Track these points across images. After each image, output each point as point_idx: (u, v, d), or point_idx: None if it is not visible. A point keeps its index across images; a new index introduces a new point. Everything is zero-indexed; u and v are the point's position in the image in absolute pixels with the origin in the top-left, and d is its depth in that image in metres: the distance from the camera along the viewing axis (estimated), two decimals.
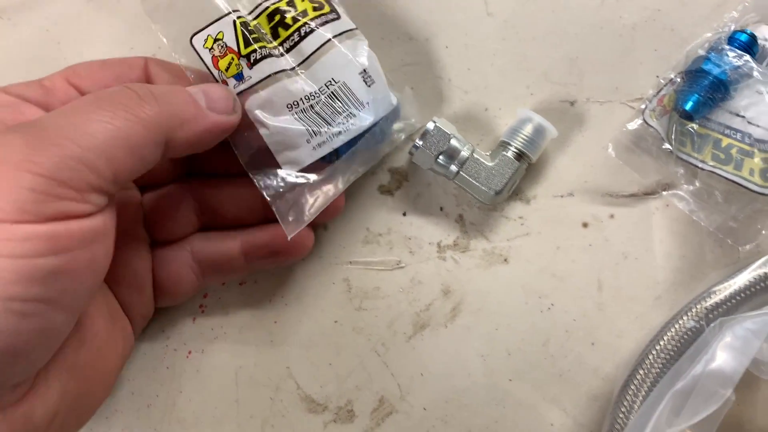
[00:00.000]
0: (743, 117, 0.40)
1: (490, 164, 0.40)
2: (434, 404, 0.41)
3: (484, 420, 0.41)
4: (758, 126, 0.40)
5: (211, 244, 0.40)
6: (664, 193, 0.42)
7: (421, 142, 0.40)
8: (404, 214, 0.43)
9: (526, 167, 0.41)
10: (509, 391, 0.41)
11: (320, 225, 0.43)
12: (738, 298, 0.38)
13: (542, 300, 0.41)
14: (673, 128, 0.41)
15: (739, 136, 0.40)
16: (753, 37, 0.40)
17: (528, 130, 0.40)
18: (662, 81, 0.42)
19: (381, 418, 0.41)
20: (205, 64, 0.36)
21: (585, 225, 0.42)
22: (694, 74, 0.40)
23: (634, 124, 0.41)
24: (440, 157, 0.40)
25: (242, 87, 0.36)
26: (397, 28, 0.44)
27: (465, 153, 0.40)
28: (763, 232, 0.39)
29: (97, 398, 0.36)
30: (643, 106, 0.42)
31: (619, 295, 0.41)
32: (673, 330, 0.38)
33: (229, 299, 0.43)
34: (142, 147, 0.30)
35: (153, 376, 0.43)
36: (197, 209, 0.40)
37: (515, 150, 0.40)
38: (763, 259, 0.38)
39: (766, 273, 0.38)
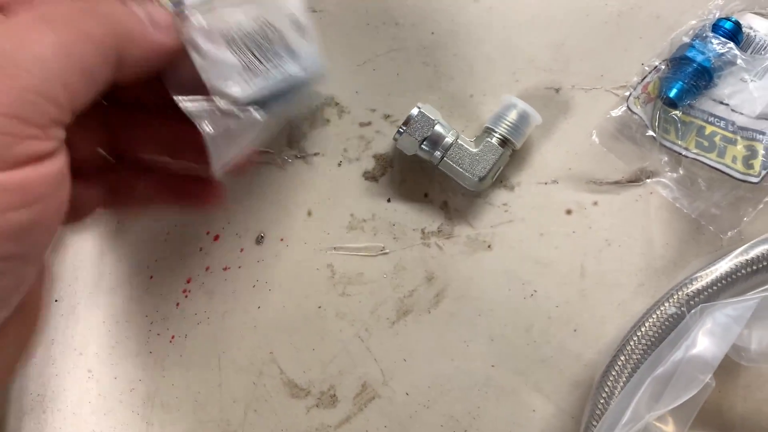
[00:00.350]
0: (727, 105, 0.40)
1: (474, 150, 0.40)
2: (417, 389, 0.41)
3: (466, 405, 0.41)
4: (741, 114, 0.40)
5: (120, 177, 0.37)
6: (648, 180, 0.42)
7: (405, 128, 0.40)
8: (389, 201, 0.43)
9: (510, 154, 0.41)
10: (492, 376, 0.41)
11: (304, 210, 0.43)
12: (719, 284, 0.38)
13: (525, 286, 0.41)
14: (657, 115, 0.41)
15: (722, 123, 0.40)
16: (737, 25, 0.40)
17: (512, 116, 0.40)
18: (647, 68, 0.42)
19: (363, 403, 0.42)
20: None
21: (569, 212, 0.42)
22: (678, 61, 0.40)
23: (618, 111, 0.41)
24: (424, 143, 0.40)
25: (179, 9, 0.34)
26: (384, 13, 0.44)
27: (449, 139, 0.40)
28: (745, 219, 0.39)
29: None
30: (627, 93, 0.42)
31: (602, 282, 0.41)
32: (654, 316, 0.38)
33: (212, 284, 0.43)
34: (95, 68, 0.27)
35: (136, 361, 0.43)
36: (110, 140, 0.37)
37: (499, 136, 0.40)
38: (744, 246, 0.38)
39: (747, 260, 0.38)
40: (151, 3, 0.33)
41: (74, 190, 0.33)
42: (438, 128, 0.40)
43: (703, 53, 0.40)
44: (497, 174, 0.41)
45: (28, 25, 0.26)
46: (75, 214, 0.36)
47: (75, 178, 0.33)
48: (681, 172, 0.41)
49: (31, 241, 0.25)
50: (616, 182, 0.42)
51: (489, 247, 0.42)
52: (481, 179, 0.40)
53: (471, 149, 0.40)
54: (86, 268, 0.43)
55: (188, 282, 0.43)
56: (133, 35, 0.29)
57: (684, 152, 0.40)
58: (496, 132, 0.40)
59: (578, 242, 0.42)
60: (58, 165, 0.26)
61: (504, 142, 0.40)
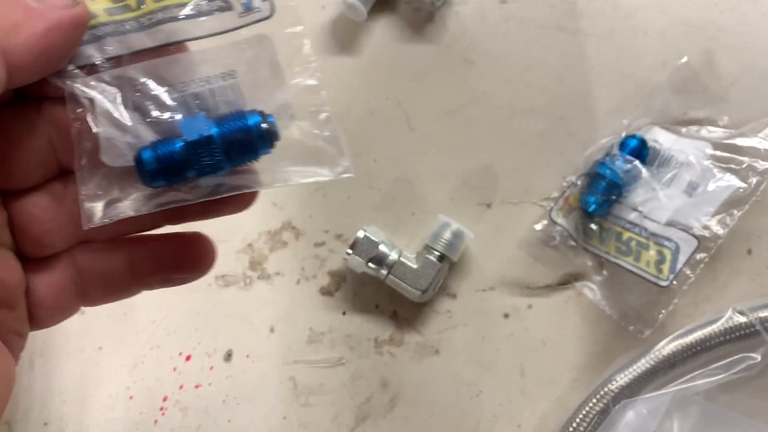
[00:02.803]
0: (640, 212, 0.45)
1: (415, 267, 0.45)
2: None
3: None
4: (652, 220, 0.44)
5: (95, 256, 0.30)
6: (576, 283, 0.46)
7: (352, 250, 0.44)
8: (344, 313, 0.47)
9: (449, 266, 0.46)
10: None
11: (267, 327, 0.47)
12: (640, 380, 0.42)
13: (471, 387, 0.45)
14: (580, 224, 0.46)
15: (636, 229, 0.45)
16: (642, 141, 0.45)
17: (447, 235, 0.45)
18: (565, 183, 0.46)
19: None
20: None
21: (506, 315, 0.46)
22: (592, 177, 0.45)
23: (540, 225, 0.46)
24: (370, 262, 0.45)
25: None
26: None
27: (393, 257, 0.45)
28: (660, 318, 0.43)
29: None
30: (549, 207, 0.46)
31: (539, 379, 0.45)
32: (583, 412, 0.42)
33: (186, 402, 0.47)
34: None
35: None
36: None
37: (437, 252, 0.45)
38: (659, 345, 0.42)
39: (663, 355, 0.42)
40: None
41: (51, 282, 0.29)
42: (382, 248, 0.45)
43: (612, 169, 0.44)
44: (438, 285, 0.46)
45: None
46: (54, 312, 0.30)
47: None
48: (605, 274, 0.45)
49: None
50: (547, 286, 0.46)
51: (437, 352, 0.46)
52: (424, 292, 0.45)
53: (412, 265, 0.45)
54: (71, 391, 0.47)
55: (164, 400, 0.47)
56: (13, 19, 0.23)
57: (606, 256, 0.45)
58: (434, 249, 0.45)
59: (516, 343, 0.46)
60: None
61: (442, 257, 0.45)
